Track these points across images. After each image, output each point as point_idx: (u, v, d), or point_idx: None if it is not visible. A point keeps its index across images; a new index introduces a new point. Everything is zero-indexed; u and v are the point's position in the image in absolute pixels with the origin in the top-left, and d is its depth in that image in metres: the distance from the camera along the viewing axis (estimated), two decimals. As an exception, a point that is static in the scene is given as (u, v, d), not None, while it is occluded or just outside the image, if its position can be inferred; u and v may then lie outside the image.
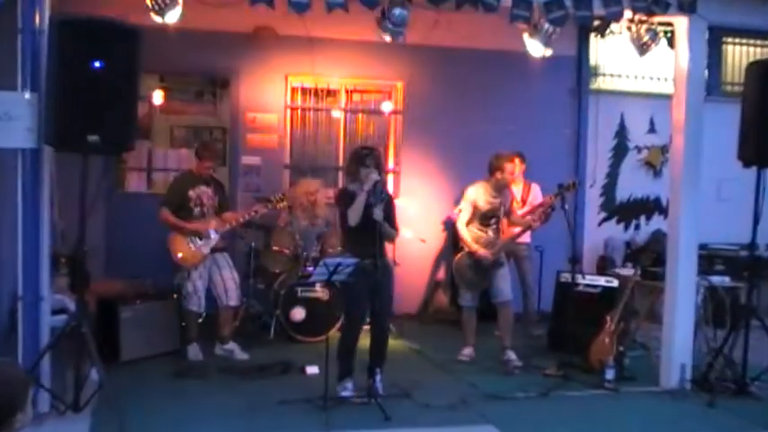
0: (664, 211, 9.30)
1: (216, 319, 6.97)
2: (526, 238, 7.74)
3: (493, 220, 6.88)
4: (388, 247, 6.71)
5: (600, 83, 9.80)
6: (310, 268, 7.44)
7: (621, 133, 9.82)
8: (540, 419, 5.54)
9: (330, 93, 9.17)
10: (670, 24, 6.42)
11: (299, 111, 9.11)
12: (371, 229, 5.60)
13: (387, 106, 9.16)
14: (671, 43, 6.48)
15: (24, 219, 4.94)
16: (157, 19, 5.38)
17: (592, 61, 9.74)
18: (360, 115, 9.30)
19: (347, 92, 9.21)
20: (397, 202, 8.87)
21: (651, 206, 9.90)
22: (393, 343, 7.45)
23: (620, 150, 9.83)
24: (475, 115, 9.01)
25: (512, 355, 6.84)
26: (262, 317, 7.81)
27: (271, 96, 8.84)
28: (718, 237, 8.16)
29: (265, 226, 7.89)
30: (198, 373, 6.30)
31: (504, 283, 6.90)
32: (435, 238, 8.99)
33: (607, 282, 7.43)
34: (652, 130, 9.81)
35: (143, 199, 8.18)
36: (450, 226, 8.61)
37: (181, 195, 6.74)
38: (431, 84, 9.02)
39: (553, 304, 7.83)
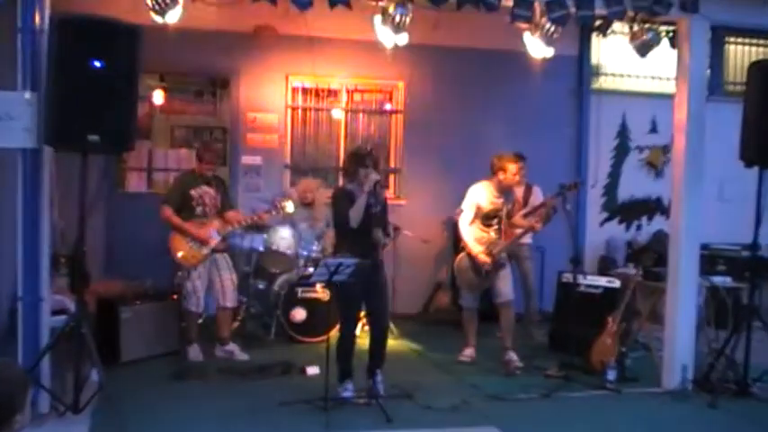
0: (665, 212, 9.28)
1: (215, 321, 6.95)
2: (527, 238, 7.72)
3: (495, 221, 6.86)
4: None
5: (601, 83, 9.78)
6: (310, 269, 7.43)
7: (623, 133, 9.80)
8: (541, 420, 5.53)
9: (331, 92, 9.17)
10: (672, 24, 6.40)
11: (300, 110, 9.09)
12: (368, 229, 5.59)
13: (388, 106, 9.14)
14: (673, 43, 6.46)
15: (24, 219, 4.93)
16: (158, 18, 5.37)
17: (593, 61, 9.73)
18: (361, 115, 9.29)
19: (348, 92, 9.21)
20: (399, 203, 8.95)
21: (653, 206, 9.88)
22: (394, 343, 7.45)
23: (621, 150, 9.81)
24: (476, 115, 9.00)
25: (513, 355, 6.82)
26: (262, 317, 7.80)
27: (271, 96, 8.83)
28: (719, 237, 8.13)
29: (265, 226, 7.87)
30: (198, 373, 6.28)
31: (506, 284, 6.88)
32: (436, 239, 8.97)
33: (609, 282, 7.41)
34: (654, 129, 9.80)
35: (143, 199, 8.16)
36: (451, 226, 8.59)
37: (182, 195, 6.73)
38: (432, 84, 9.01)
39: (554, 305, 7.83)
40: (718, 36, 9.52)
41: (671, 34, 6.44)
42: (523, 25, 5.93)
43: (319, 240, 7.93)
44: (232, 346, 6.89)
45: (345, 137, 9.19)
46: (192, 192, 6.72)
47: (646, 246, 9.27)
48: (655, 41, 6.15)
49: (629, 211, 9.88)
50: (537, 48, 6.13)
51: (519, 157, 7.69)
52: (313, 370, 6.31)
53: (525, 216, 7.32)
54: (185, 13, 5.43)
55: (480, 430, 5.27)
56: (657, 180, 9.82)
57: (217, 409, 5.44)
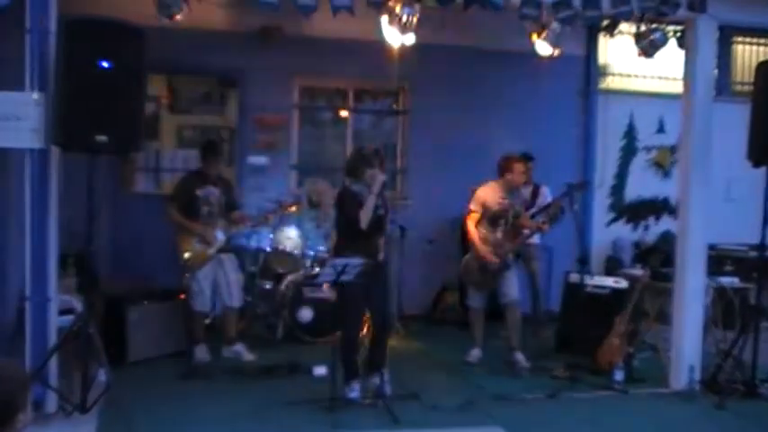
0: (673, 212, 9.25)
1: (221, 321, 6.96)
2: (536, 239, 7.71)
3: (502, 221, 6.85)
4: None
5: (608, 83, 9.76)
6: (317, 269, 7.44)
7: (630, 133, 9.77)
8: (548, 421, 5.52)
9: (337, 93, 9.17)
10: (680, 24, 6.38)
11: (307, 111, 9.09)
12: (371, 229, 5.60)
13: (394, 106, 9.14)
14: (680, 43, 6.44)
15: (32, 219, 4.95)
16: (165, 19, 5.38)
17: (600, 61, 9.70)
18: (367, 115, 9.29)
19: (355, 92, 9.20)
20: (405, 203, 8.94)
21: (660, 206, 9.85)
22: (400, 343, 7.47)
23: (628, 150, 9.78)
24: (482, 115, 8.98)
25: (520, 356, 6.80)
26: (268, 318, 7.80)
27: (278, 96, 8.83)
28: (727, 237, 8.10)
29: (272, 226, 7.87)
30: (205, 374, 6.29)
31: (512, 285, 6.87)
32: (443, 239, 8.96)
33: (616, 282, 7.39)
34: (661, 130, 9.77)
35: (151, 199, 8.17)
36: (457, 226, 8.57)
37: (188, 195, 6.74)
38: (438, 84, 8.99)
39: (561, 305, 7.81)
40: (726, 36, 9.49)
41: (678, 34, 6.43)
42: (531, 25, 5.92)
43: (326, 240, 7.93)
44: (239, 347, 6.89)
45: (352, 137, 9.19)
46: (198, 192, 6.73)
47: (653, 246, 9.24)
48: (662, 41, 6.13)
49: (637, 212, 9.85)
50: (544, 48, 6.12)
51: (527, 157, 7.70)
52: (320, 370, 6.30)
53: (533, 216, 7.31)
54: (192, 14, 5.44)
55: (487, 430, 5.27)
56: (665, 180, 9.79)
57: (223, 409, 5.45)
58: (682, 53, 6.45)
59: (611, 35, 9.49)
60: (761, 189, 6.11)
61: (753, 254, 7.37)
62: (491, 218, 6.83)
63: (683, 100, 6.49)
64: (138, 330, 6.56)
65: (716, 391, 6.07)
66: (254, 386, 6.03)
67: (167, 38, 5.82)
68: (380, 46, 6.22)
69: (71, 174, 5.52)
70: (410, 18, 5.75)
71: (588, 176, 9.14)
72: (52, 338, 5.05)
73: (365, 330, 6.26)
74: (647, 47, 6.15)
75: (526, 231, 7.09)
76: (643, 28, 6.10)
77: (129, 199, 8.38)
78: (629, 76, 9.79)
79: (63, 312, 5.40)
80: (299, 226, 7.90)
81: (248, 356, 6.83)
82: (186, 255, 6.66)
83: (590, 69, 9.60)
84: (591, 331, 6.81)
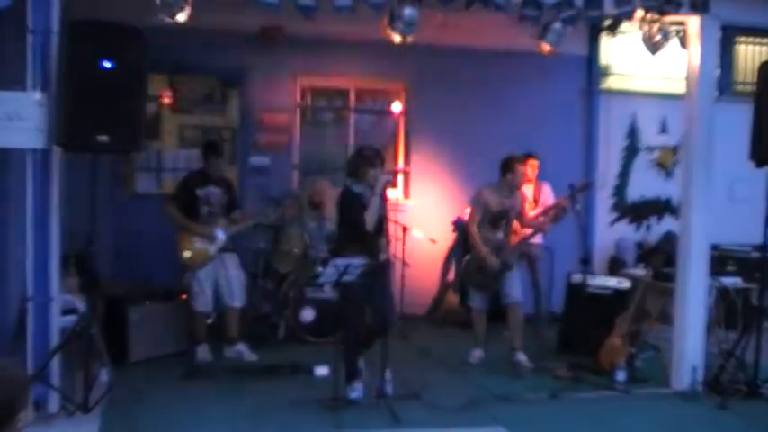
0: (675, 212, 9.24)
1: (223, 321, 6.96)
2: (539, 238, 7.71)
3: (503, 222, 6.85)
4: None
5: (611, 83, 9.74)
6: (319, 269, 7.43)
7: (632, 133, 9.76)
8: (550, 421, 5.52)
9: (339, 93, 9.17)
10: (682, 23, 6.38)
11: (309, 111, 9.09)
12: (373, 229, 5.61)
13: (396, 106, 9.14)
14: (683, 43, 6.43)
15: (34, 219, 4.95)
16: (166, 19, 5.38)
17: (602, 61, 9.68)
18: (369, 115, 9.28)
19: (356, 92, 9.20)
20: (407, 203, 8.95)
21: (662, 207, 9.84)
22: (402, 344, 7.46)
23: (631, 151, 9.77)
24: (484, 115, 8.98)
25: (522, 356, 6.80)
26: (270, 318, 7.80)
27: (280, 96, 8.83)
28: (729, 238, 8.10)
29: (274, 226, 7.87)
30: (206, 374, 6.30)
31: (514, 285, 6.86)
32: (445, 239, 8.96)
33: (618, 283, 7.38)
34: (663, 130, 9.75)
35: (152, 199, 8.17)
36: (459, 226, 8.58)
37: (189, 194, 6.74)
38: (440, 84, 8.98)
39: (564, 305, 7.80)
40: (729, 36, 9.48)
41: (681, 34, 6.42)
42: (532, 25, 5.91)
43: (328, 240, 7.93)
44: (241, 347, 6.90)
45: (354, 137, 9.19)
46: (199, 191, 6.74)
47: (656, 246, 9.23)
48: (665, 41, 6.12)
49: (639, 212, 9.84)
50: (546, 48, 6.11)
51: (531, 157, 7.70)
52: (322, 370, 6.31)
53: (536, 217, 7.31)
54: (194, 14, 5.44)
55: (489, 431, 5.27)
56: (667, 180, 9.78)
57: (225, 409, 5.46)
58: (684, 53, 6.45)
59: (614, 35, 9.50)
60: (763, 189, 6.10)
61: (755, 254, 7.39)
62: (492, 218, 6.83)
63: (685, 100, 6.48)
64: (139, 330, 6.56)
65: (718, 391, 6.06)
66: (255, 386, 6.03)
67: (168, 38, 5.82)
68: (382, 46, 6.21)
69: (72, 174, 5.53)
70: (411, 18, 5.75)
71: (590, 177, 9.12)
72: (54, 338, 5.05)
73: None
74: (650, 46, 6.13)
75: (527, 231, 7.08)
76: (645, 27, 6.09)
77: (130, 199, 8.38)
78: (631, 76, 9.77)
79: (65, 312, 5.40)
80: (301, 226, 7.89)
81: (250, 356, 6.84)
82: (186, 253, 6.66)
83: (592, 69, 9.58)
84: (593, 331, 6.80)
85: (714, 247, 7.16)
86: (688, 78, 6.41)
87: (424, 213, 8.86)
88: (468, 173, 8.51)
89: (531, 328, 7.81)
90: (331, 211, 8.02)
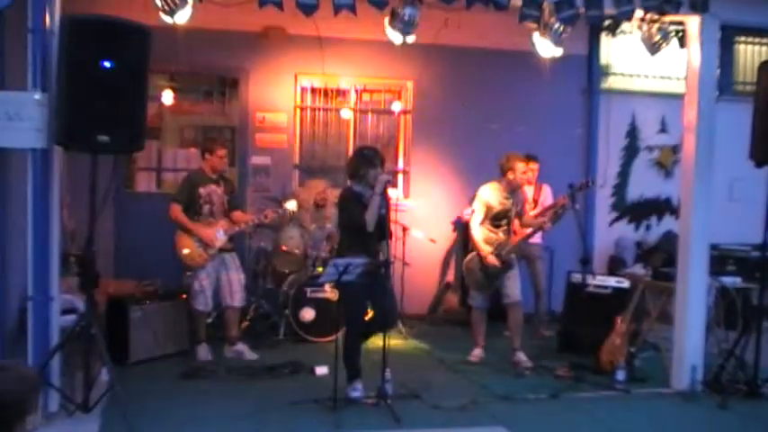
0: (675, 212, 9.25)
1: (223, 321, 6.97)
2: (538, 238, 7.72)
3: (504, 221, 6.85)
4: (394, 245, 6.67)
5: (611, 82, 9.75)
6: (319, 268, 7.44)
7: (632, 133, 9.77)
8: (550, 421, 5.52)
9: (340, 92, 9.17)
10: (681, 23, 6.38)
11: (309, 110, 9.10)
12: (376, 230, 5.60)
13: (396, 106, 9.15)
14: (683, 43, 6.44)
15: (34, 219, 4.94)
16: (167, 19, 5.38)
17: (603, 61, 9.69)
18: (369, 115, 9.29)
19: (357, 91, 9.21)
20: (407, 203, 8.95)
21: (662, 206, 9.85)
22: (403, 343, 7.47)
23: (631, 150, 9.78)
24: (485, 115, 8.99)
25: (522, 356, 6.81)
26: (271, 317, 7.81)
27: (280, 96, 8.84)
28: (729, 237, 8.09)
29: (274, 226, 7.88)
30: (207, 373, 6.29)
31: (514, 285, 6.87)
32: (445, 239, 8.97)
33: (618, 282, 7.39)
34: (663, 129, 9.77)
35: (153, 199, 8.19)
36: (460, 226, 8.59)
37: (191, 193, 6.74)
38: (441, 83, 9.00)
39: (564, 305, 7.80)
40: (728, 36, 9.49)
41: (681, 34, 6.42)
42: (532, 25, 5.92)
43: (328, 240, 7.94)
44: (241, 346, 6.90)
45: (354, 137, 9.19)
46: (201, 190, 6.73)
47: (655, 246, 9.24)
48: (664, 41, 6.13)
49: (639, 212, 9.85)
50: (546, 47, 6.12)
51: (531, 158, 7.70)
52: (322, 370, 6.32)
53: (536, 217, 7.31)
54: (194, 14, 5.44)
55: (489, 430, 5.26)
56: (667, 180, 9.79)
57: (226, 408, 5.46)
58: (684, 53, 6.45)
59: (614, 35, 9.50)
60: (763, 189, 6.10)
61: (755, 254, 7.37)
62: (493, 218, 6.83)
63: (685, 100, 6.48)
64: (140, 330, 6.56)
65: (718, 391, 6.06)
66: (256, 386, 6.03)
67: (169, 37, 5.81)
68: (383, 45, 6.21)
69: (73, 173, 5.53)
70: (413, 18, 5.76)
71: (591, 176, 9.12)
72: (54, 338, 5.05)
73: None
74: (650, 45, 6.14)
75: (528, 231, 7.09)
76: (645, 27, 6.10)
77: (130, 198, 8.39)
78: (631, 75, 9.78)
79: (65, 312, 5.41)
80: (302, 226, 7.90)
81: (250, 356, 6.84)
82: (185, 251, 6.66)
83: (592, 69, 9.60)
84: (593, 331, 6.80)
85: (714, 247, 7.15)
86: (688, 78, 6.41)
87: (424, 213, 8.87)
88: (468, 173, 8.51)
89: (530, 328, 7.83)
90: (331, 211, 8.04)
